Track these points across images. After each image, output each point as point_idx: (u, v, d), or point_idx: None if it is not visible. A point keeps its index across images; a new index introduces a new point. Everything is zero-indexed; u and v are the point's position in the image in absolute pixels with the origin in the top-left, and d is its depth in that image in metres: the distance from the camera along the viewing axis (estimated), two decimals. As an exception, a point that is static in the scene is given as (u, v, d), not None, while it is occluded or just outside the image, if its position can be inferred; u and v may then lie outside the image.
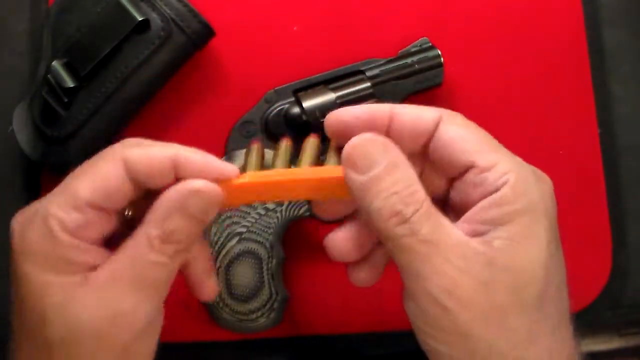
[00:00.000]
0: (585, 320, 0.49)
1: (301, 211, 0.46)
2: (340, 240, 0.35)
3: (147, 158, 0.32)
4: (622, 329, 0.51)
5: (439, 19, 0.51)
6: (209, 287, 0.36)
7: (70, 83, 0.45)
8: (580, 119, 0.50)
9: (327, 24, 0.50)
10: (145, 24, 0.45)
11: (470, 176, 0.33)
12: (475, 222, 0.32)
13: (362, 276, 0.36)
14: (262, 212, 0.46)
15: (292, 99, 0.47)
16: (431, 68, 0.47)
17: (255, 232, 0.46)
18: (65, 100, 0.45)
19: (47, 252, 0.31)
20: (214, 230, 0.45)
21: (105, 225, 0.33)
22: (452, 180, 0.34)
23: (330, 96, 0.46)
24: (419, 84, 0.47)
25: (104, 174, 0.32)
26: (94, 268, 0.32)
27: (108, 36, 0.45)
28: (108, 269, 0.32)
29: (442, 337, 0.32)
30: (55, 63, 0.45)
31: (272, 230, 0.46)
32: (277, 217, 0.46)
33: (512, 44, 0.51)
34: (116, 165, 0.32)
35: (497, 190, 0.32)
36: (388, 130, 0.34)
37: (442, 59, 0.47)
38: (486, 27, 0.51)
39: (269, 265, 0.45)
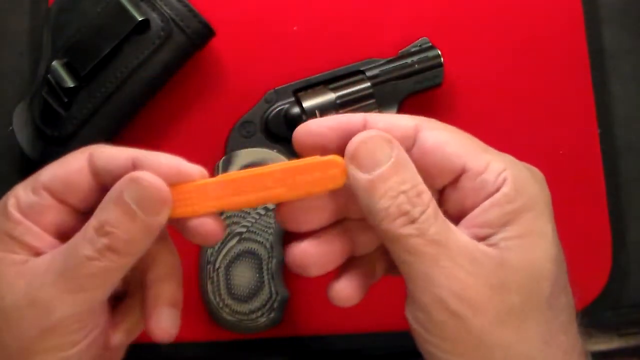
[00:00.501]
0: (585, 320, 0.49)
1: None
2: (304, 251, 0.32)
3: (109, 154, 0.31)
4: (622, 329, 0.51)
5: (439, 19, 0.51)
6: (163, 324, 0.33)
7: (70, 83, 0.45)
8: (580, 119, 0.50)
9: (327, 24, 0.50)
10: (145, 24, 0.45)
11: (465, 181, 0.31)
12: (475, 226, 0.31)
13: (341, 294, 0.33)
14: (262, 212, 0.46)
15: (292, 99, 0.47)
16: (431, 68, 0.47)
17: (255, 232, 0.46)
18: (65, 100, 0.45)
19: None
20: (214, 230, 0.46)
21: (60, 216, 0.32)
22: (442, 191, 0.33)
23: (330, 96, 0.46)
24: (418, 84, 0.47)
25: (67, 163, 0.32)
26: (40, 254, 0.31)
27: (108, 36, 0.45)
28: (47, 257, 0.31)
29: (452, 347, 0.30)
30: (55, 63, 0.45)
31: (272, 230, 0.46)
32: (277, 217, 0.46)
33: (512, 44, 0.51)
34: (81, 158, 0.31)
35: (497, 190, 0.30)
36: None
37: (442, 59, 0.47)
38: (486, 27, 0.51)
39: (269, 265, 0.45)
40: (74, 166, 0.31)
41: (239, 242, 0.45)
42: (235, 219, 0.45)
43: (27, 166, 0.49)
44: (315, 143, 0.32)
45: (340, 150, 0.31)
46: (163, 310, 0.33)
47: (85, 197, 0.32)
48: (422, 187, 0.30)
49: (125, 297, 0.35)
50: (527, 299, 0.30)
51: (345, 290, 0.33)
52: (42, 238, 0.31)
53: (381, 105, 0.47)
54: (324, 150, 0.31)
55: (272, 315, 0.46)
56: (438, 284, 0.29)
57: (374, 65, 0.47)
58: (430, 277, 0.29)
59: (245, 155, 0.46)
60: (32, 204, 0.31)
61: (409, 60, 0.47)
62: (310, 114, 0.46)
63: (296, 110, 0.46)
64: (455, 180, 0.31)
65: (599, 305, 0.49)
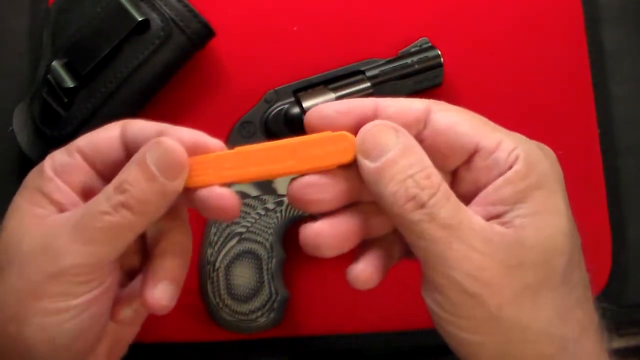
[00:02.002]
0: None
1: (301, 211, 0.46)
2: (318, 231, 0.33)
3: (140, 126, 0.33)
4: (622, 329, 0.51)
5: (439, 19, 0.51)
6: (157, 295, 0.33)
7: (70, 83, 0.45)
8: (580, 119, 0.50)
9: (327, 24, 0.50)
10: (145, 24, 0.45)
11: (478, 161, 0.31)
12: (488, 204, 0.31)
13: (361, 276, 0.34)
14: (262, 212, 0.46)
15: (292, 99, 0.47)
16: (431, 68, 0.47)
17: (255, 232, 0.46)
18: (65, 100, 0.45)
19: (32, 183, 0.33)
20: (213, 230, 0.45)
21: (87, 178, 0.34)
22: (455, 172, 0.33)
23: (330, 96, 0.46)
24: (418, 84, 0.47)
25: (104, 131, 0.34)
26: (64, 211, 0.33)
27: (108, 36, 0.45)
28: (68, 213, 0.33)
29: (471, 326, 0.30)
30: (55, 63, 0.46)
31: (272, 230, 0.46)
32: (277, 217, 0.46)
33: (512, 44, 0.51)
34: (115, 128, 0.34)
35: (509, 168, 0.31)
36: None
37: (442, 59, 0.47)
38: (486, 27, 0.51)
39: (269, 265, 0.45)
40: (108, 134, 0.34)
41: (239, 242, 0.45)
42: (235, 219, 0.45)
43: (27, 166, 0.49)
44: (326, 126, 0.32)
45: (353, 128, 0.32)
46: (161, 282, 0.33)
47: (112, 163, 0.33)
48: (431, 169, 0.30)
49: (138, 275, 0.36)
50: (542, 276, 0.30)
51: (365, 272, 0.33)
52: (68, 196, 0.33)
53: (381, 105, 0.47)
54: (335, 128, 0.32)
55: (272, 315, 0.46)
56: (452, 266, 0.29)
57: (374, 65, 0.47)
58: (444, 259, 0.29)
59: (245, 155, 0.46)
60: (64, 163, 0.33)
61: (409, 61, 0.47)
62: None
63: (296, 110, 0.46)
64: (468, 160, 0.32)
65: (598, 305, 0.49)
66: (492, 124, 0.33)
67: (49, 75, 0.46)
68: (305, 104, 0.46)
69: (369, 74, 0.47)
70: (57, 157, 0.34)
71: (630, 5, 0.53)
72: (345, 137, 0.31)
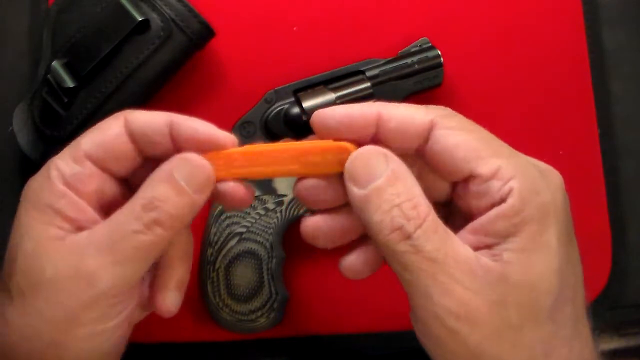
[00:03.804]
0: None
1: (301, 211, 0.46)
2: (316, 224, 0.34)
3: (144, 118, 0.33)
4: (622, 329, 0.51)
5: (439, 19, 0.51)
6: (167, 303, 0.35)
7: (70, 83, 0.45)
8: (580, 119, 0.50)
9: (327, 24, 0.50)
10: (145, 24, 0.45)
11: (472, 186, 0.31)
12: (482, 233, 0.30)
13: (350, 268, 0.34)
14: (262, 212, 0.46)
15: (292, 99, 0.47)
16: (431, 68, 0.47)
17: (255, 232, 0.46)
18: (65, 100, 0.45)
19: (40, 198, 0.32)
20: (213, 230, 0.45)
21: (102, 184, 0.33)
22: (454, 184, 0.33)
23: (330, 96, 0.46)
24: (418, 84, 0.47)
25: (105, 130, 0.33)
26: (80, 228, 0.32)
27: (108, 36, 0.45)
28: (89, 232, 0.32)
29: (453, 358, 0.30)
30: (55, 63, 0.46)
31: (272, 230, 0.46)
32: (277, 217, 0.46)
33: (512, 44, 0.51)
34: (118, 123, 0.33)
35: (502, 200, 0.30)
36: (376, 133, 0.32)
37: (442, 59, 0.47)
38: (486, 27, 0.51)
39: (269, 265, 0.45)
40: (112, 132, 0.32)
41: (239, 242, 0.45)
42: (235, 219, 0.45)
43: (27, 166, 0.49)
44: (329, 130, 0.32)
45: (355, 137, 0.32)
46: (170, 292, 0.35)
47: (126, 163, 0.33)
48: (419, 199, 0.30)
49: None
50: (526, 314, 0.29)
51: (354, 264, 0.34)
52: (84, 210, 0.32)
53: (381, 105, 0.47)
54: (338, 136, 0.32)
55: (272, 315, 0.46)
56: (435, 301, 0.29)
57: (374, 65, 0.47)
58: (427, 293, 0.29)
59: (245, 155, 0.46)
60: (76, 174, 0.32)
61: (409, 61, 0.47)
62: (310, 114, 0.46)
63: (296, 110, 0.46)
64: (464, 181, 0.31)
65: (599, 305, 0.49)
66: (497, 144, 0.32)
67: (49, 75, 0.46)
68: (305, 104, 0.46)
69: (369, 74, 0.47)
70: (65, 167, 0.32)
71: (630, 5, 0.53)
72: (345, 148, 0.32)
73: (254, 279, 0.45)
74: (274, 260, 0.46)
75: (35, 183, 0.32)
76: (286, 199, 0.46)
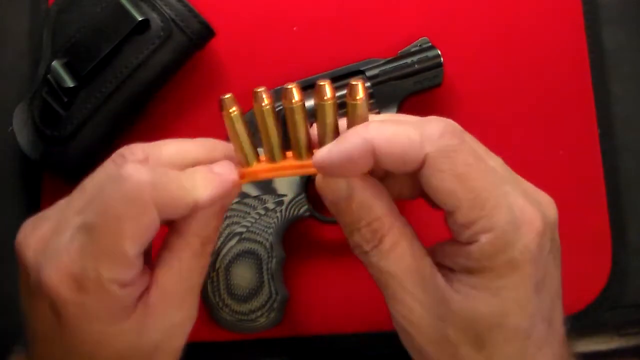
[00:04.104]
0: (585, 320, 0.49)
1: (301, 211, 0.46)
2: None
3: (176, 205, 0.32)
4: (622, 329, 0.51)
5: (439, 19, 0.51)
6: None
7: (70, 83, 0.45)
8: (580, 119, 0.50)
9: (327, 24, 0.50)
10: (145, 24, 0.45)
11: (449, 219, 0.32)
12: (447, 255, 0.33)
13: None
14: (262, 212, 0.46)
15: (292, 99, 0.47)
16: (431, 68, 0.47)
17: (255, 232, 0.46)
18: (65, 100, 0.45)
19: (110, 311, 0.31)
20: (214, 230, 0.46)
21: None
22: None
23: (330, 96, 0.46)
24: (418, 84, 0.47)
25: (145, 227, 0.31)
26: (142, 295, 0.33)
27: (108, 36, 0.45)
28: (158, 293, 0.33)
29: (411, 352, 0.35)
30: (55, 63, 0.46)
31: (272, 230, 0.46)
32: (277, 217, 0.46)
33: (512, 44, 0.51)
34: (152, 214, 0.31)
35: (470, 243, 0.31)
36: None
37: (442, 59, 0.47)
38: (486, 27, 0.51)
39: (269, 265, 0.45)
40: (150, 224, 0.31)
41: (238, 242, 0.45)
42: (235, 219, 0.45)
43: (27, 166, 0.49)
44: (332, 171, 0.32)
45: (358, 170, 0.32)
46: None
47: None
48: (377, 221, 0.33)
49: None
50: (464, 337, 0.32)
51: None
52: (140, 283, 0.33)
53: (381, 105, 0.47)
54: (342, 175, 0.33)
55: (272, 315, 0.46)
56: (389, 303, 0.34)
57: (374, 65, 0.47)
58: (385, 296, 0.34)
59: (245, 155, 0.46)
60: (132, 275, 0.32)
61: (408, 60, 0.47)
62: (309, 114, 0.45)
63: (296, 110, 0.46)
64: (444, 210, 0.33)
65: (599, 305, 0.49)
66: (487, 184, 0.31)
67: (49, 75, 0.46)
68: (305, 104, 0.46)
69: (369, 74, 0.47)
70: (122, 277, 0.31)
71: (630, 5, 0.53)
72: None
73: (254, 279, 0.45)
74: (274, 260, 0.46)
75: (95, 302, 0.31)
76: (286, 199, 0.46)
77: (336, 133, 0.33)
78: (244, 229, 0.45)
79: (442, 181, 0.31)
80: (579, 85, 0.51)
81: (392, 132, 0.31)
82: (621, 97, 0.51)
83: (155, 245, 0.35)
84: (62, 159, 0.46)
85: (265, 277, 0.45)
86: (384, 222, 0.33)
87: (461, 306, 0.32)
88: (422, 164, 0.31)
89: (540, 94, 0.50)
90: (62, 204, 0.34)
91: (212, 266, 0.45)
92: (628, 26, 0.52)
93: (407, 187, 0.35)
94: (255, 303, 0.45)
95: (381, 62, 0.47)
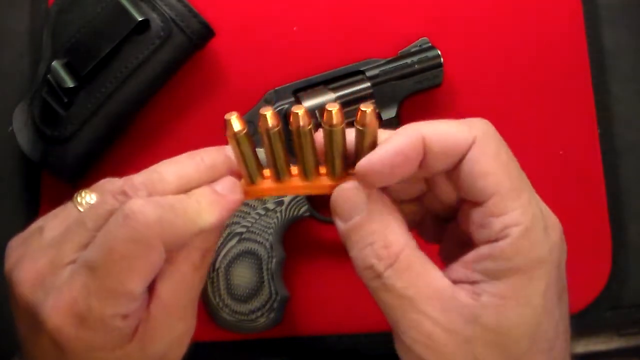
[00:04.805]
0: (585, 320, 0.49)
1: (301, 211, 0.46)
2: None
3: (182, 239, 0.32)
4: (622, 329, 0.51)
5: (439, 19, 0.51)
6: None
7: (70, 83, 0.45)
8: (580, 119, 0.50)
9: (327, 24, 0.50)
10: (145, 24, 0.45)
11: (476, 214, 0.31)
12: (470, 268, 0.31)
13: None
14: (262, 212, 0.46)
15: (292, 99, 0.47)
16: (431, 68, 0.47)
17: (255, 232, 0.46)
18: (65, 100, 0.45)
19: (114, 341, 0.32)
20: (214, 230, 0.45)
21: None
22: (462, 201, 0.33)
23: (330, 96, 0.46)
24: (418, 84, 0.47)
25: (151, 264, 0.31)
26: (145, 308, 0.33)
27: (108, 36, 0.45)
28: (160, 307, 0.33)
29: None
30: (55, 63, 0.45)
31: (272, 230, 0.46)
32: (277, 217, 0.46)
33: (512, 44, 0.51)
34: (159, 251, 0.31)
35: (497, 239, 0.30)
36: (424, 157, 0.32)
37: (442, 59, 0.47)
38: (486, 27, 0.51)
39: (269, 265, 0.45)
40: (155, 262, 0.31)
41: (238, 242, 0.45)
42: (235, 219, 0.45)
43: (27, 166, 0.49)
44: (382, 174, 0.31)
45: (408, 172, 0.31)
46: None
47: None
48: (393, 237, 0.31)
49: None
50: (492, 355, 0.30)
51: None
52: (139, 308, 0.32)
53: (381, 105, 0.47)
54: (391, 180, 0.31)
55: (272, 315, 0.46)
56: (406, 332, 0.31)
57: (374, 65, 0.47)
58: (399, 325, 0.31)
59: (245, 155, 0.46)
60: (136, 308, 0.32)
61: (409, 60, 0.47)
62: (310, 114, 0.46)
63: (296, 110, 0.46)
64: (472, 204, 0.32)
65: (599, 305, 0.49)
66: (520, 184, 0.31)
67: (49, 75, 0.46)
68: (305, 104, 0.46)
69: (369, 74, 0.47)
70: (126, 311, 0.31)
71: (630, 5, 0.53)
72: None
73: (254, 279, 0.45)
74: (274, 260, 0.46)
75: (100, 338, 0.31)
76: (286, 199, 0.46)
77: (344, 154, 0.32)
78: (244, 229, 0.45)
79: (487, 165, 0.30)
80: (579, 85, 0.51)
81: (438, 124, 0.31)
82: (621, 97, 0.51)
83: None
84: (62, 159, 0.46)
85: (265, 277, 0.45)
86: (399, 239, 0.31)
87: (492, 319, 0.30)
88: (467, 151, 0.31)
89: (540, 94, 0.50)
90: (56, 237, 0.33)
91: (212, 266, 0.45)
92: (628, 26, 0.52)
93: (415, 212, 0.35)
94: (255, 303, 0.45)
95: (381, 62, 0.47)
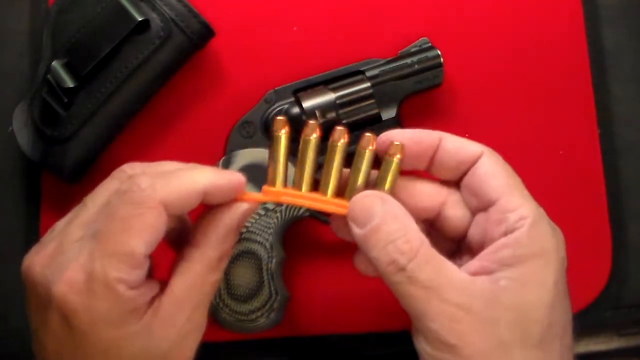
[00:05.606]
0: (586, 320, 0.49)
1: (301, 211, 0.46)
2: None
3: (183, 198, 0.33)
4: (622, 329, 0.51)
5: (439, 19, 0.51)
6: None
7: (70, 83, 0.45)
8: (580, 119, 0.50)
9: (327, 24, 0.50)
10: (145, 24, 0.45)
11: (493, 212, 0.35)
12: (486, 259, 0.34)
13: (360, 267, 0.38)
14: (262, 212, 0.46)
15: (292, 99, 0.47)
16: (431, 68, 0.47)
17: (255, 232, 0.46)
18: (65, 100, 0.45)
19: (119, 313, 0.32)
20: (214, 230, 0.45)
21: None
22: (475, 213, 0.36)
23: (330, 96, 0.46)
24: (418, 84, 0.47)
25: (151, 224, 0.32)
26: (152, 301, 0.33)
27: (108, 36, 0.45)
28: (171, 299, 0.33)
29: None
30: (55, 63, 0.46)
31: (272, 230, 0.46)
32: (277, 217, 0.46)
33: (512, 44, 0.51)
34: (160, 213, 0.32)
35: (511, 231, 0.34)
36: (433, 156, 0.36)
37: (442, 59, 0.47)
38: (486, 27, 0.51)
39: (269, 265, 0.45)
40: (158, 223, 0.32)
41: (238, 242, 0.45)
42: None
43: (27, 167, 0.49)
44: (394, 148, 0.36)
45: (418, 158, 0.37)
46: None
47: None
48: (412, 234, 0.34)
49: None
50: (516, 336, 0.33)
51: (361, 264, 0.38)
52: (149, 289, 0.33)
53: (381, 105, 0.47)
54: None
55: (272, 315, 0.46)
56: (432, 318, 0.33)
57: (373, 65, 0.47)
58: (425, 314, 0.33)
59: (245, 155, 0.46)
60: (141, 276, 0.32)
61: (408, 61, 0.47)
62: (310, 114, 0.46)
63: (296, 110, 0.46)
64: (487, 207, 0.35)
65: (599, 305, 0.49)
66: (524, 190, 0.36)
67: (49, 75, 0.46)
68: (305, 104, 0.46)
69: (369, 74, 0.47)
70: (129, 278, 0.32)
71: (630, 5, 0.53)
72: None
73: (254, 279, 0.45)
74: (274, 260, 0.46)
75: (103, 304, 0.32)
76: (286, 199, 0.46)
77: (367, 180, 0.36)
78: (244, 229, 0.45)
79: (495, 167, 0.36)
80: (579, 85, 0.51)
81: (453, 136, 0.37)
82: (621, 97, 0.51)
83: (161, 264, 0.35)
84: (62, 159, 0.46)
85: (265, 277, 0.45)
86: (417, 236, 0.34)
87: (512, 300, 0.32)
88: (477, 159, 0.36)
89: (540, 94, 0.50)
90: (60, 224, 0.35)
91: (212, 266, 0.45)
92: (628, 26, 0.52)
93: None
94: (255, 303, 0.45)
95: (381, 62, 0.47)
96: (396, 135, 0.36)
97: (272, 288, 0.45)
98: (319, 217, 0.47)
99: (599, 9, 0.52)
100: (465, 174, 0.36)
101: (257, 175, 0.46)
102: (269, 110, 0.47)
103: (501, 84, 0.50)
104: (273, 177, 0.36)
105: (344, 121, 0.46)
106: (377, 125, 0.47)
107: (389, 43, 0.49)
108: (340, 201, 0.36)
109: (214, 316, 0.46)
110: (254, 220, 0.46)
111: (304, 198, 0.36)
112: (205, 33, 0.47)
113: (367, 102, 0.46)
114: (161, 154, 0.49)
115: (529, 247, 0.33)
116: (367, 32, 0.50)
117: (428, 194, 0.37)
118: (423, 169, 0.37)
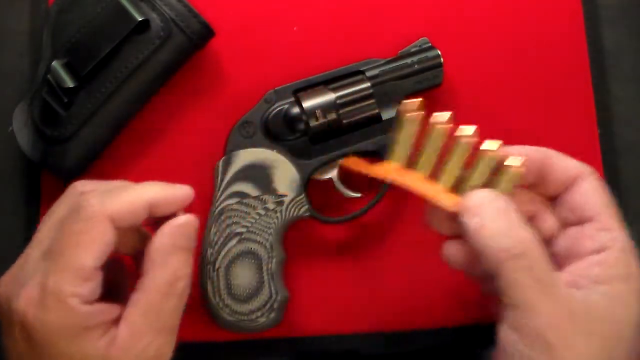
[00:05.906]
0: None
1: (301, 211, 0.46)
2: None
3: (130, 211, 0.35)
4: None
5: (439, 19, 0.51)
6: None
7: (70, 83, 0.45)
8: (580, 119, 0.50)
9: (327, 24, 0.50)
10: (145, 24, 0.45)
11: (588, 228, 0.37)
12: (577, 275, 0.35)
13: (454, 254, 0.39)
14: (262, 212, 0.46)
15: (292, 99, 0.47)
16: (431, 68, 0.47)
17: (255, 232, 0.46)
18: (65, 100, 0.45)
19: (73, 327, 0.33)
20: (214, 230, 0.45)
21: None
22: (566, 226, 0.39)
23: (330, 96, 0.46)
24: (418, 84, 0.47)
25: (99, 238, 0.34)
26: (112, 323, 0.34)
27: (108, 36, 0.45)
28: (126, 326, 0.34)
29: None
30: (55, 63, 0.46)
31: (272, 230, 0.46)
32: (277, 217, 0.46)
33: (512, 44, 0.51)
34: (106, 227, 0.34)
35: (603, 250, 0.36)
36: (540, 172, 0.39)
37: (442, 59, 0.47)
38: (486, 27, 0.51)
39: (269, 265, 0.45)
40: (105, 237, 0.34)
41: (239, 242, 0.45)
42: (235, 219, 0.45)
43: (27, 167, 0.49)
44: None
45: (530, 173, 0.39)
46: None
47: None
48: (524, 233, 0.35)
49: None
50: (606, 349, 0.34)
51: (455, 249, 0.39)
52: (105, 309, 0.35)
53: (381, 105, 0.47)
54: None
55: (272, 315, 0.46)
56: (540, 315, 0.34)
57: (373, 65, 0.47)
58: (532, 305, 0.34)
59: (245, 155, 0.46)
60: (92, 289, 0.34)
61: (408, 60, 0.47)
62: (310, 114, 0.46)
63: (296, 110, 0.46)
64: (580, 223, 0.38)
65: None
66: (616, 213, 0.38)
67: (49, 75, 0.46)
68: (305, 104, 0.46)
69: (368, 74, 0.47)
70: (82, 291, 0.33)
71: (630, 5, 0.53)
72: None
73: (254, 279, 0.45)
74: (274, 260, 0.46)
75: (56, 318, 0.33)
76: (286, 199, 0.46)
77: (483, 182, 0.39)
78: (244, 229, 0.45)
79: (597, 187, 0.38)
80: (579, 85, 0.51)
81: (557, 152, 0.40)
82: (621, 97, 0.51)
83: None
84: (62, 159, 0.46)
85: (265, 277, 0.45)
86: (528, 232, 0.36)
87: (606, 315, 0.34)
88: (579, 176, 0.39)
89: (540, 94, 0.51)
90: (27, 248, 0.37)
91: (212, 266, 0.45)
92: (628, 26, 0.52)
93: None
94: (255, 303, 0.45)
95: (381, 62, 0.47)
96: (519, 150, 0.39)
97: (272, 288, 0.45)
98: (319, 217, 0.47)
99: (599, 9, 0.52)
100: (565, 189, 0.39)
101: (257, 175, 0.46)
102: (269, 110, 0.47)
103: (501, 84, 0.50)
104: (393, 153, 0.41)
105: (345, 121, 0.46)
106: (379, 125, 0.47)
107: (389, 43, 0.49)
108: (451, 195, 0.39)
109: (214, 316, 0.46)
110: (254, 220, 0.46)
111: (415, 181, 0.40)
112: (205, 33, 0.47)
113: (367, 102, 0.46)
114: (161, 154, 0.49)
115: (617, 268, 0.35)
116: (367, 32, 0.50)
117: (524, 202, 0.39)
118: (528, 184, 0.40)
